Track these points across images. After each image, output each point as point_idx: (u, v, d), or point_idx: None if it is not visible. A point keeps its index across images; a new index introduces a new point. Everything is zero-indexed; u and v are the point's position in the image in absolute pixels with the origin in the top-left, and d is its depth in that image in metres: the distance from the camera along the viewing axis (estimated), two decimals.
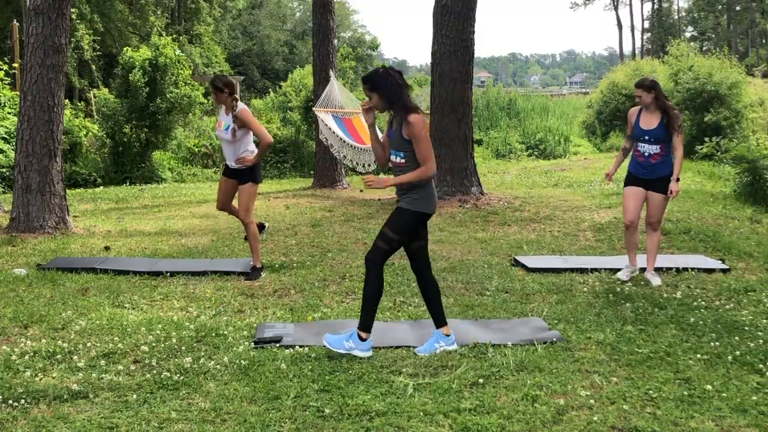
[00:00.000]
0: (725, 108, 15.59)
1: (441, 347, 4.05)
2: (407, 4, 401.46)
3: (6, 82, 15.11)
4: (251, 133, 5.91)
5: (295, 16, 49.90)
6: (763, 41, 54.97)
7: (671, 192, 5.44)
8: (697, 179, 12.02)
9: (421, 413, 3.20)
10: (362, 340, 3.96)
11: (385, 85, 3.94)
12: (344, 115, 12.73)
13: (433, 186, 4.04)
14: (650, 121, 5.53)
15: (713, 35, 56.13)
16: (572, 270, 5.95)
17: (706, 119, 15.47)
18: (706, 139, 14.46)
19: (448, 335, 4.10)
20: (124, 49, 16.74)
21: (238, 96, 5.98)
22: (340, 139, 12.12)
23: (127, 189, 13.53)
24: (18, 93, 12.05)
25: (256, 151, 5.91)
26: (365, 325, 3.98)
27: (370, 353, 3.95)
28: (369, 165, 12.18)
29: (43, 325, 4.49)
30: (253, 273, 5.91)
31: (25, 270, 6.00)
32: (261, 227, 6.37)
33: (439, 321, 4.13)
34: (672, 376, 3.64)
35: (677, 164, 5.44)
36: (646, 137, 5.51)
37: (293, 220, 8.86)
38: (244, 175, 5.91)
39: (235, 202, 6.20)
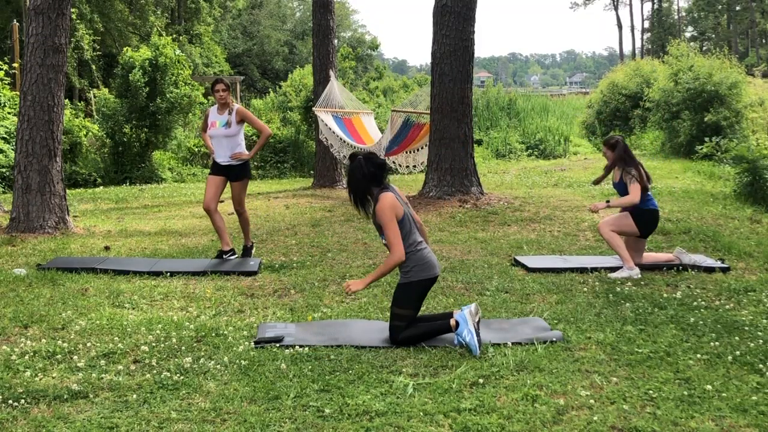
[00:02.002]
0: (725, 108, 15.59)
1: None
2: (407, 4, 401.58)
3: (6, 82, 15.12)
4: (242, 130, 6.50)
5: (295, 16, 49.92)
6: (763, 41, 54.97)
7: (592, 207, 6.05)
8: (697, 179, 12.02)
9: (421, 413, 3.20)
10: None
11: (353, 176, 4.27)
12: (344, 115, 12.74)
13: (423, 253, 4.19)
14: (615, 175, 6.13)
15: (713, 35, 56.13)
16: (572, 270, 5.95)
17: (706, 119, 15.47)
18: (706, 139, 14.46)
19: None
20: (124, 49, 16.74)
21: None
22: (340, 139, 12.13)
23: (127, 189, 13.53)
24: (18, 93, 12.05)
25: (243, 147, 6.50)
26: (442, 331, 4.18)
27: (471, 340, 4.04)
28: None
29: (43, 325, 4.49)
30: (246, 251, 6.62)
31: (25, 270, 6.00)
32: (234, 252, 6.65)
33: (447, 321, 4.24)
34: (672, 376, 3.64)
35: (623, 200, 5.95)
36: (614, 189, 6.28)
37: (293, 220, 8.86)
38: (235, 172, 6.44)
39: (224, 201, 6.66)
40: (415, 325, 4.21)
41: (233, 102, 6.48)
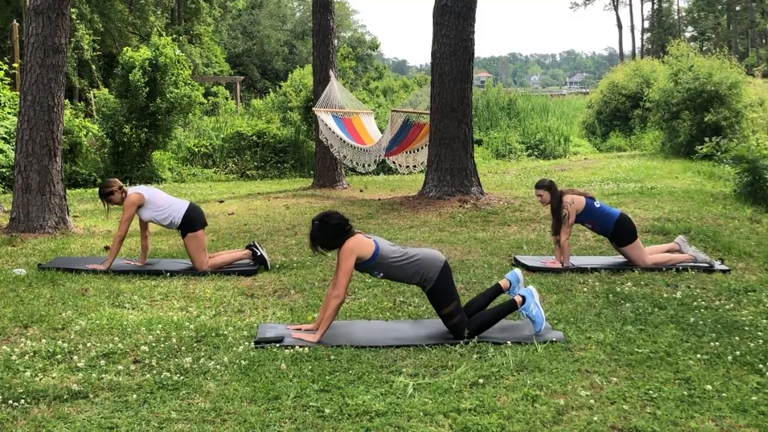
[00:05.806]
0: (725, 108, 15.59)
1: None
2: (407, 4, 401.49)
3: (6, 82, 15.12)
4: (154, 204, 6.06)
5: (295, 16, 49.89)
6: (763, 41, 54.95)
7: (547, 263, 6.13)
8: (697, 179, 12.02)
9: (421, 413, 3.20)
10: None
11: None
12: (344, 115, 12.74)
13: (417, 259, 4.25)
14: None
15: (713, 35, 56.08)
16: (572, 270, 5.95)
17: (706, 119, 15.47)
18: (706, 139, 14.44)
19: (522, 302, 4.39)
20: (124, 49, 16.73)
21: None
22: (340, 139, 12.13)
23: None
24: (18, 93, 12.05)
25: (171, 216, 6.04)
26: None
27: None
28: (368, 165, 12.19)
29: (43, 325, 4.49)
30: (255, 252, 6.15)
31: (25, 270, 6.00)
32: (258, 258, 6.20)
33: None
34: (672, 376, 3.64)
35: (564, 254, 6.06)
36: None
37: (293, 220, 8.86)
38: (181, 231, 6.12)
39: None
40: (476, 316, 4.31)
41: (125, 195, 6.12)
